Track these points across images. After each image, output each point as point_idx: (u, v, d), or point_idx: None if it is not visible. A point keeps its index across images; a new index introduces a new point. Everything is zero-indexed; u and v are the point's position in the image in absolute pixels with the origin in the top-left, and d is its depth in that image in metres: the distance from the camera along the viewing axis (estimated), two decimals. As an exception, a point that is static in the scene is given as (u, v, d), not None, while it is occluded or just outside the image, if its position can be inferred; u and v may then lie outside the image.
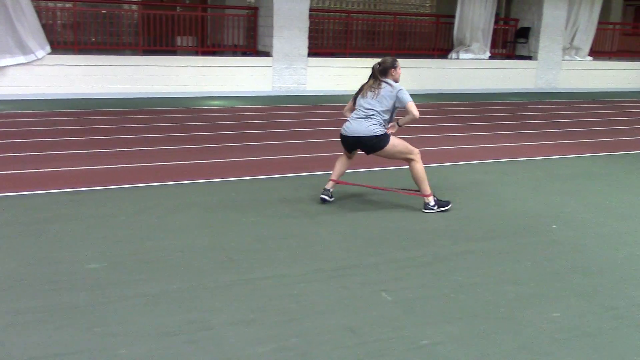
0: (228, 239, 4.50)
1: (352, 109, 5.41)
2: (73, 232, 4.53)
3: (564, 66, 16.00)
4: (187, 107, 10.83)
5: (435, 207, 5.34)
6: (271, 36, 12.69)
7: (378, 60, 5.41)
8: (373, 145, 5.22)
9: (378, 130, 5.18)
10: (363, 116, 5.22)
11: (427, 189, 5.35)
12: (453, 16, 15.00)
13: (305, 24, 12.87)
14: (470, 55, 15.00)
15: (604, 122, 11.06)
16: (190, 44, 13.13)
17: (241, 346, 3.04)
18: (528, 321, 3.42)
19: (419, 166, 5.31)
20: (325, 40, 14.40)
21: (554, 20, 15.55)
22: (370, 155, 5.48)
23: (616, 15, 20.85)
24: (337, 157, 5.74)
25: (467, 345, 3.14)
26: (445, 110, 11.69)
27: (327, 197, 5.45)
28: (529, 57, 15.74)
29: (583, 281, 4.01)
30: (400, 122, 5.31)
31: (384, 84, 5.21)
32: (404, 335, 3.22)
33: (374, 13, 16.10)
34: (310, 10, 13.09)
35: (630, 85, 16.89)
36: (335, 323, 3.31)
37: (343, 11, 15.90)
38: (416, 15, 16.80)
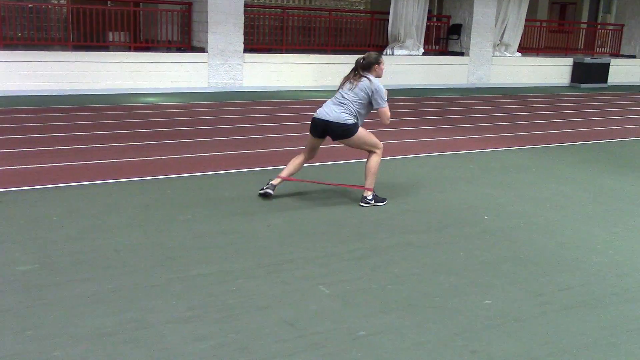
0: (165, 237, 4.45)
1: None
2: (2, 234, 4.38)
3: (495, 62, 16.47)
4: (120, 104, 10.60)
5: (372, 202, 5.42)
6: (206, 32, 12.56)
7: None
8: (341, 132, 5.28)
9: (348, 119, 5.23)
10: (337, 103, 5.30)
11: (372, 183, 5.42)
12: (387, 13, 15.21)
13: (240, 19, 12.79)
14: (405, 52, 15.25)
15: (533, 116, 11.46)
16: (122, 40, 12.84)
17: (180, 344, 3.02)
18: (461, 309, 3.53)
19: (377, 160, 5.40)
20: (261, 36, 14.35)
21: (484, 17, 15.99)
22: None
23: (543, 12, 21.63)
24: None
25: (403, 334, 3.22)
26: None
27: (270, 192, 5.43)
28: (461, 54, 16.13)
29: (513, 269, 4.16)
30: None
31: (363, 79, 5.25)
32: (342, 327, 3.27)
33: (310, 9, 16.15)
34: (245, 5, 13.03)
35: (557, 80, 17.54)
36: (274, 317, 3.33)
37: (278, 7, 15.88)
38: (351, 12, 16.94)
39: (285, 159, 7.01)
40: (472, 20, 15.86)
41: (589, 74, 17.51)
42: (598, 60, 17.88)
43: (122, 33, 12.78)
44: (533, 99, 14.13)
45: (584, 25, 21.25)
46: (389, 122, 5.35)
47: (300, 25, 15.02)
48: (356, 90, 5.24)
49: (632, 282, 4.02)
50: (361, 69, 5.31)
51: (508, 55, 17.01)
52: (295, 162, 5.53)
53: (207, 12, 12.46)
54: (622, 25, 19.45)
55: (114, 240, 4.35)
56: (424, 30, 15.70)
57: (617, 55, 19.34)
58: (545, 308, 3.60)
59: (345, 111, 5.24)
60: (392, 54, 15.14)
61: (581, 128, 10.28)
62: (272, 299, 3.55)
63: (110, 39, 12.81)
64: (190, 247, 4.29)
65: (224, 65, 12.80)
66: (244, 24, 12.97)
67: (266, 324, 3.26)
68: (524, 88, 16.41)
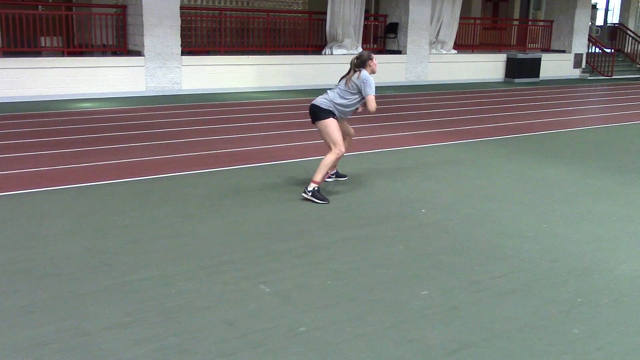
0: (102, 244, 4.39)
1: None
2: None
3: (432, 59, 16.80)
4: (54, 110, 10.33)
5: (310, 194, 5.52)
6: (142, 35, 12.38)
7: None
8: (315, 113, 5.72)
9: (324, 103, 5.69)
10: (327, 91, 5.80)
11: (320, 177, 5.60)
12: (325, 13, 15.31)
13: (176, 22, 12.66)
14: (343, 51, 15.38)
15: (468, 111, 11.75)
16: (55, 45, 12.51)
17: (118, 350, 2.99)
18: (399, 301, 3.61)
19: (332, 158, 5.67)
20: (199, 39, 14.23)
21: (420, 15, 16.28)
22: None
23: (476, 10, 22.16)
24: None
25: (343, 328, 3.27)
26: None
27: (328, 179, 6.12)
28: (398, 52, 16.38)
29: (449, 259, 4.28)
30: (359, 109, 5.87)
31: (356, 73, 5.66)
32: (283, 324, 3.30)
33: (247, 10, 16.10)
34: (181, 8, 12.90)
35: (491, 76, 18.02)
36: (215, 318, 3.33)
37: (215, 8, 15.75)
38: (289, 12, 16.98)
39: (225, 160, 7.01)
40: (408, 18, 16.13)
41: (521, 69, 18.06)
42: (530, 55, 18.46)
43: (54, 38, 12.45)
44: (469, 95, 14.48)
45: (516, 22, 21.90)
46: (374, 109, 5.67)
47: (238, 27, 14.96)
48: (350, 83, 5.68)
49: (561, 267, 4.19)
50: (356, 67, 5.70)
51: (444, 52, 17.37)
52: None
53: (142, 15, 12.28)
54: (552, 22, 20.13)
55: (49, 249, 4.26)
56: (361, 30, 15.88)
57: (547, 50, 20.00)
58: (480, 295, 3.72)
59: (325, 97, 5.73)
60: (331, 54, 15.25)
61: (514, 121, 10.60)
62: (212, 300, 3.54)
63: (43, 45, 12.47)
64: (128, 252, 4.24)
65: (162, 69, 12.64)
66: (181, 26, 12.85)
67: (206, 325, 3.26)
68: (461, 84, 16.79)
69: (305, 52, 15.30)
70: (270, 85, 14.10)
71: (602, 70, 20.36)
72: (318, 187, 5.56)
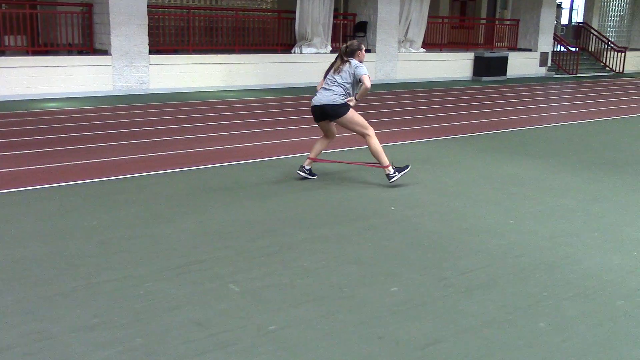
0: (68, 245, 4.32)
1: (322, 85, 6.01)
2: None
3: (400, 58, 16.89)
4: (19, 110, 10.14)
5: (397, 174, 5.97)
6: (108, 34, 12.21)
7: (346, 48, 5.93)
8: (333, 112, 5.89)
9: (338, 99, 5.84)
10: (327, 88, 5.90)
11: (385, 160, 5.99)
12: (294, 12, 15.29)
13: (144, 20, 12.52)
14: (313, 50, 15.38)
15: (436, 109, 11.84)
16: (20, 44, 12.27)
17: (84, 352, 2.95)
18: (369, 298, 3.63)
19: (374, 141, 5.98)
20: (167, 37, 14.11)
21: (389, 14, 16.36)
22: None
23: (444, 9, 22.34)
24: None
25: (313, 326, 3.27)
26: (290, 104, 11.93)
27: (302, 174, 6.11)
28: (367, 50, 16.37)
29: (418, 256, 4.31)
30: (356, 96, 5.96)
31: (346, 63, 5.84)
32: (252, 323, 3.29)
33: (215, 9, 16.00)
34: (149, 6, 12.76)
35: (459, 74, 18.19)
36: (183, 319, 3.30)
37: (183, 7, 15.64)
38: (257, 11, 16.92)
39: (194, 160, 6.96)
40: (377, 17, 16.19)
41: (489, 67, 18.26)
42: (497, 54, 18.68)
43: (19, 37, 12.22)
44: (437, 93, 14.60)
45: (483, 21, 22.13)
46: (369, 85, 5.78)
47: (207, 25, 14.86)
48: (342, 73, 5.83)
49: (528, 262, 4.25)
50: (345, 55, 5.87)
51: (413, 51, 17.48)
52: (319, 143, 6.23)
53: (108, 13, 12.11)
54: (518, 21, 20.40)
55: (13, 251, 4.18)
56: (330, 28, 15.90)
57: (514, 49, 20.26)
58: (448, 291, 3.76)
59: (334, 93, 5.84)
60: (300, 53, 15.24)
61: (482, 119, 10.72)
62: (180, 301, 3.52)
63: (7, 44, 12.22)
64: (95, 253, 4.19)
65: (129, 68, 12.49)
66: (148, 24, 12.71)
67: (175, 325, 3.23)
68: (429, 82, 16.92)
69: (275, 51, 15.27)
70: (239, 84, 14.04)
71: (567, 68, 20.70)
72: (393, 166, 6.01)
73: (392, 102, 12.79)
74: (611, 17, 24.85)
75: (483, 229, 4.90)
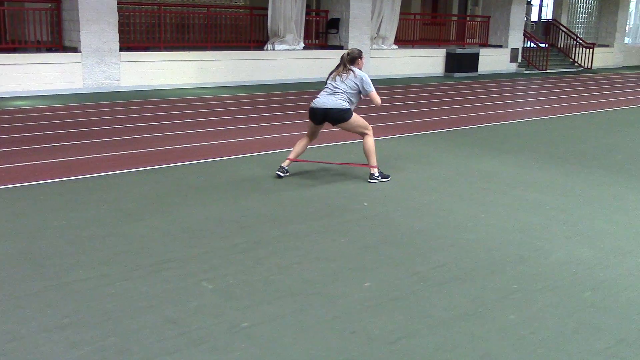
0: (38, 245, 4.26)
1: None
2: None
3: (373, 54, 16.94)
4: (-14, 109, 9.96)
5: (379, 178, 6.10)
6: (78, 31, 12.05)
7: (347, 51, 6.16)
8: (339, 117, 6.01)
9: (344, 104, 5.98)
10: (331, 92, 6.01)
11: (374, 161, 6.14)
12: (266, 8, 15.25)
13: (114, 17, 12.38)
14: (286, 46, 15.37)
15: (408, 105, 11.91)
16: (-14, 41, 12.06)
17: (56, 352, 2.92)
18: (342, 293, 3.65)
19: (371, 140, 6.16)
20: (138, 34, 13.96)
21: (361, 11, 16.40)
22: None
23: (416, 6, 22.46)
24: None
25: (285, 322, 3.28)
26: (263, 101, 11.91)
27: (281, 174, 6.14)
28: (340, 47, 16.44)
29: (391, 251, 4.34)
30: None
31: (351, 72, 6.00)
32: (225, 320, 3.28)
33: (186, 5, 15.87)
34: (119, 3, 12.62)
35: (431, 71, 18.32)
36: (156, 317, 3.29)
37: (154, 4, 15.49)
38: (229, 8, 16.83)
39: (166, 158, 6.92)
40: (349, 14, 16.22)
41: (460, 63, 18.43)
42: (468, 50, 18.85)
43: (-15, 34, 12.00)
44: (410, 89, 14.68)
45: (455, 18, 22.29)
46: (380, 102, 6.19)
47: (178, 22, 14.74)
48: (347, 81, 5.98)
49: (499, 256, 4.31)
50: (348, 63, 6.03)
51: (385, 47, 17.56)
52: (301, 144, 6.29)
53: (77, 10, 11.96)
54: (489, 17, 20.60)
55: (-19, 252, 4.11)
56: (303, 25, 15.89)
57: (485, 45, 20.47)
58: (420, 285, 3.79)
59: (340, 98, 5.98)
60: (273, 49, 15.21)
61: (454, 115, 10.82)
62: (153, 299, 3.50)
63: (-28, 41, 12.00)
64: (65, 253, 4.14)
65: (100, 65, 12.34)
66: (119, 21, 12.57)
67: (147, 324, 3.21)
68: (402, 79, 17.01)
69: (247, 48, 15.22)
70: (211, 82, 13.96)
71: (537, 64, 20.97)
72: (379, 170, 6.14)
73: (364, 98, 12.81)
74: (579, 13, 25.24)
75: (455, 224, 4.95)
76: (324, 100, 6.01)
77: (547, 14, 25.54)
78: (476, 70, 18.80)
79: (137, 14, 14.11)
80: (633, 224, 5.08)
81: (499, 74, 19.70)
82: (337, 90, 5.99)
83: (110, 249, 4.23)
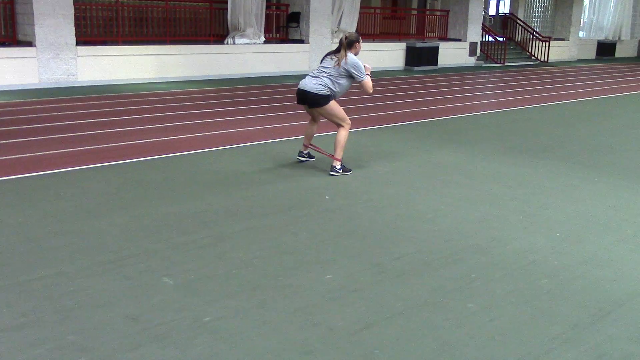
0: (-7, 244, 4.18)
1: None
2: None
3: (334, 48, 16.93)
4: (-63, 105, 9.68)
5: (340, 171, 6.14)
6: (32, 25, 11.78)
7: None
8: (314, 101, 6.04)
9: (321, 90, 6.00)
10: (316, 75, 6.07)
11: (341, 154, 6.18)
12: (226, 2, 15.13)
13: (69, 10, 12.13)
14: (246, 40, 15.28)
15: (369, 99, 11.96)
16: None
17: (13, 352, 2.87)
18: (304, 286, 3.67)
19: (345, 133, 6.20)
20: (95, 28, 13.72)
21: (321, 5, 16.40)
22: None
23: (376, 0, 22.56)
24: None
25: (248, 316, 3.28)
26: (223, 95, 11.83)
27: (303, 159, 6.45)
28: (301, 41, 16.45)
29: (352, 243, 4.38)
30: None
31: (344, 57, 5.96)
32: (187, 315, 3.27)
33: (145, -1, 15.64)
34: (75, -4, 12.39)
35: (392, 64, 18.45)
36: (116, 314, 3.26)
37: (112, -3, 15.23)
38: (188, 1, 16.64)
39: (125, 153, 6.83)
40: (309, 8, 16.21)
41: (420, 57, 18.60)
42: (428, 44, 19.04)
43: None
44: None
45: (415, 12, 22.47)
46: (371, 91, 6.26)
47: (136, 16, 14.53)
48: (338, 67, 5.98)
49: (458, 246, 4.39)
50: (347, 46, 6.01)
51: (346, 41, 17.56)
52: (308, 129, 6.50)
53: (31, 3, 11.68)
54: (448, 11, 20.83)
55: None
56: (263, 19, 15.82)
57: (444, 39, 20.70)
58: (381, 277, 3.84)
59: (319, 82, 5.99)
60: (234, 43, 15.11)
61: (414, 108, 10.93)
62: (113, 296, 3.46)
63: None
64: (22, 251, 4.06)
65: (56, 60, 12.09)
66: (75, 15, 12.33)
67: (107, 321, 3.18)
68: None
69: (207, 42, 15.09)
70: (171, 76, 13.81)
71: (495, 57, 21.30)
72: (341, 163, 6.16)
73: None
74: (536, 8, 25.72)
75: (415, 216, 5.02)
76: (306, 82, 6.06)
77: (505, 8, 25.94)
78: (436, 64, 19.00)
79: (94, 7, 13.86)
80: (587, 212, 5.23)
81: (458, 67, 19.95)
82: (321, 73, 6.02)
83: (69, 246, 4.17)
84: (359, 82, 6.11)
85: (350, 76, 6.07)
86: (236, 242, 4.34)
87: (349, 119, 6.29)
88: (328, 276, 3.82)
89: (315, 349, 2.99)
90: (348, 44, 6.03)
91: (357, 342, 3.06)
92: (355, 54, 6.11)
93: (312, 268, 3.94)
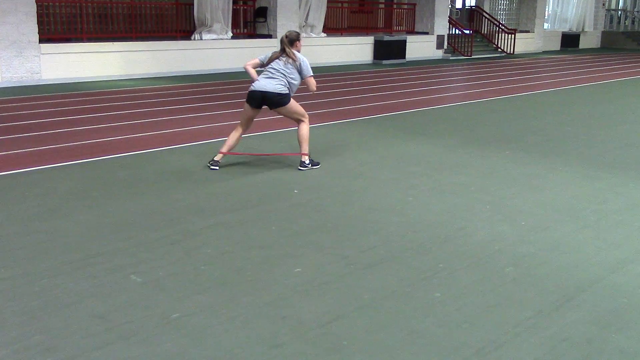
0: (-44, 246, 4.10)
1: (254, 65, 6.10)
2: None
3: (303, 43, 16.90)
4: None
5: (309, 165, 6.16)
6: (-7, 22, 11.54)
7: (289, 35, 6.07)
8: (277, 101, 6.00)
9: (282, 89, 5.97)
10: (271, 76, 6.01)
11: (306, 148, 6.18)
12: (192, -3, 15.01)
13: (32, 8, 11.91)
14: (213, 36, 15.18)
15: (338, 93, 11.98)
16: None
17: (-23, 354, 2.83)
18: (273, 280, 3.68)
19: (306, 128, 6.20)
20: (58, 25, 13.49)
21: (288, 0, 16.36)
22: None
23: (344, -6, 22.56)
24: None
25: (216, 311, 3.28)
26: (191, 92, 11.75)
27: (215, 168, 6.09)
28: (269, 36, 16.39)
29: (321, 237, 4.39)
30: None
31: (292, 56, 5.99)
32: (155, 313, 3.25)
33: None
34: (37, -8, 12.16)
35: (360, 58, 18.49)
36: (83, 313, 3.22)
37: (75, -7, 14.97)
38: (154, -3, 16.45)
39: (90, 152, 6.74)
40: (276, 3, 16.16)
41: (389, 50, 18.68)
42: (396, 37, 19.12)
43: None
44: (339, 77, 14.78)
45: (382, 6, 22.55)
46: (315, 88, 6.18)
47: (100, 12, 14.33)
48: (288, 65, 5.99)
49: (425, 237, 4.43)
50: (289, 45, 6.02)
51: (314, 36, 17.60)
52: (234, 136, 6.21)
53: (-8, 0, 11.45)
54: (415, 5, 20.94)
55: None
56: (230, 14, 15.72)
57: (412, 32, 20.81)
58: (350, 269, 3.86)
59: (280, 83, 5.97)
60: (201, 39, 15.00)
61: (382, 101, 10.98)
62: (79, 295, 3.43)
63: None
64: (-15, 252, 4.00)
65: (18, 58, 11.87)
66: (37, 12, 12.10)
67: (74, 320, 3.15)
68: (331, 67, 17.10)
69: (174, 38, 14.94)
70: (137, 73, 13.66)
71: (462, 50, 21.49)
72: (309, 157, 6.18)
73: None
74: (501, 0, 25.98)
75: (383, 208, 5.06)
76: (264, 83, 5.98)
77: (471, 1, 26.16)
78: (404, 57, 19.10)
79: (57, 4, 13.62)
80: (551, 201, 5.32)
81: (426, 60, 20.09)
82: (276, 74, 5.98)
83: (34, 246, 4.12)
84: (304, 78, 6.08)
85: (299, 72, 6.05)
86: (204, 238, 4.33)
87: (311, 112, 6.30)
88: (297, 269, 3.83)
89: (284, 342, 3.00)
90: (290, 42, 6.03)
91: (326, 334, 3.07)
92: (298, 51, 6.10)
93: (281, 262, 3.95)
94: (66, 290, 3.49)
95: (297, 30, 16.58)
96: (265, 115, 9.17)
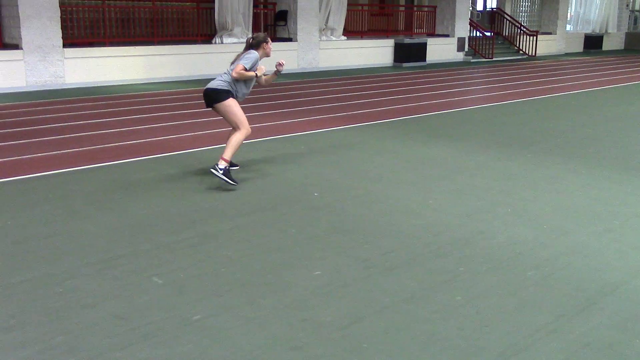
0: (-19, 247, 4.17)
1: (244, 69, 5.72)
2: None
3: (322, 46, 16.99)
4: None
5: (221, 173, 5.50)
6: (18, 27, 11.73)
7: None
8: (211, 97, 5.66)
9: (221, 85, 5.64)
10: (218, 76, 5.77)
11: (230, 156, 5.62)
12: (213, 1, 15.11)
13: (56, 13, 12.08)
14: (234, 40, 15.26)
15: (358, 96, 12.00)
16: None
17: (1, 354, 2.87)
18: (293, 282, 3.69)
19: (240, 137, 5.69)
20: (82, 30, 13.67)
21: (308, 3, 16.40)
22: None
23: (364, -3, 22.58)
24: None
25: (236, 313, 3.30)
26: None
27: (233, 168, 5.91)
28: (289, 39, 16.45)
29: (340, 239, 4.40)
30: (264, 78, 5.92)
31: (242, 53, 5.73)
32: (176, 314, 3.28)
33: (130, 0, 15.60)
34: (60, -2, 12.34)
35: (381, 61, 18.47)
36: (105, 314, 3.26)
37: (98, -2, 15.17)
38: (175, 1, 16.61)
39: (112, 155, 6.82)
40: (297, 6, 16.21)
41: (409, 53, 18.63)
42: (417, 40, 19.07)
43: None
44: (359, 80, 14.78)
45: (402, 8, 22.52)
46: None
47: (123, 17, 14.49)
48: (237, 61, 5.67)
49: (445, 239, 4.41)
50: (251, 47, 5.77)
51: (334, 39, 17.61)
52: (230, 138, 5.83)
53: (17, 6, 11.63)
54: (435, 7, 20.87)
55: None
56: (251, 18, 15.80)
57: (432, 35, 20.74)
58: (370, 272, 3.86)
59: (221, 79, 5.67)
60: (222, 43, 15.10)
61: (402, 104, 10.96)
62: (101, 296, 3.47)
63: None
64: (9, 254, 4.06)
65: (43, 62, 12.04)
66: (61, 17, 12.28)
67: (96, 321, 3.19)
68: (351, 70, 17.11)
69: (195, 42, 15.06)
70: (159, 77, 13.78)
71: (484, 52, 21.36)
72: (228, 167, 5.57)
73: (315, 89, 12.87)
74: (523, 2, 25.80)
75: (403, 210, 5.04)
76: (210, 82, 5.75)
77: (492, 3, 26.00)
78: (424, 60, 19.04)
79: (80, 9, 13.81)
80: (572, 204, 5.27)
81: (447, 63, 20.00)
82: (224, 74, 5.72)
83: (57, 247, 4.17)
84: (233, 67, 5.64)
85: (250, 69, 5.67)
86: (224, 241, 4.35)
87: (248, 124, 5.78)
88: (316, 272, 3.84)
89: (304, 344, 3.00)
90: (253, 45, 5.77)
91: (345, 337, 3.08)
92: (267, 56, 5.88)
93: (301, 264, 3.96)
94: (88, 291, 3.53)
95: (317, 33, 16.63)
96: (286, 118, 9.21)
